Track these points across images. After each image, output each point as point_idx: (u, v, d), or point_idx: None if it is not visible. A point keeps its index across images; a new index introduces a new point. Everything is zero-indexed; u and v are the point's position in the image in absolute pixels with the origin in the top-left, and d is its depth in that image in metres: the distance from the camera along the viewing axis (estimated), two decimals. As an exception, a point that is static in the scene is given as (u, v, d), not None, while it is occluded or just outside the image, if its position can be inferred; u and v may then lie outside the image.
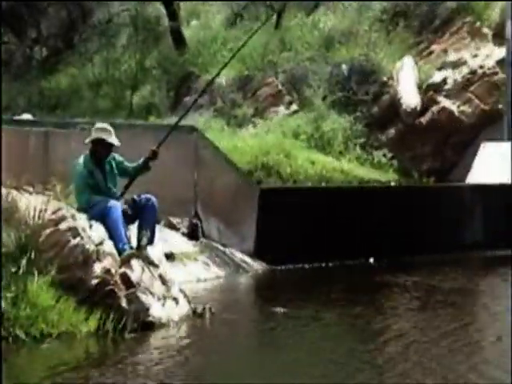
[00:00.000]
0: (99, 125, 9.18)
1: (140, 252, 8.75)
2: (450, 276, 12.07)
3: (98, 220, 8.69)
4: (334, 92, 16.93)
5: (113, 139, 9.01)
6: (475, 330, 8.92)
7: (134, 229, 9.07)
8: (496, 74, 16.75)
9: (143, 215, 8.96)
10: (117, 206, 8.73)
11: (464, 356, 7.53)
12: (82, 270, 8.22)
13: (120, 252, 8.57)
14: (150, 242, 9.02)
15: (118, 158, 9.17)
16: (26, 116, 16.78)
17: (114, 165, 9.10)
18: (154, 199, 9.07)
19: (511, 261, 12.79)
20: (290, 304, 9.77)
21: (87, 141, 9.06)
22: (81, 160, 8.99)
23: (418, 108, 16.52)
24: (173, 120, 16.73)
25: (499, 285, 11.93)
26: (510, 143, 15.79)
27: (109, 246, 8.56)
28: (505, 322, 9.05)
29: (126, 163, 9.21)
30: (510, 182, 14.45)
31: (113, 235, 8.65)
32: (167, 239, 11.51)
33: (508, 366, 6.99)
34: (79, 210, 8.83)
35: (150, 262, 8.79)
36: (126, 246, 8.63)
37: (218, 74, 11.54)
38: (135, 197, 9.11)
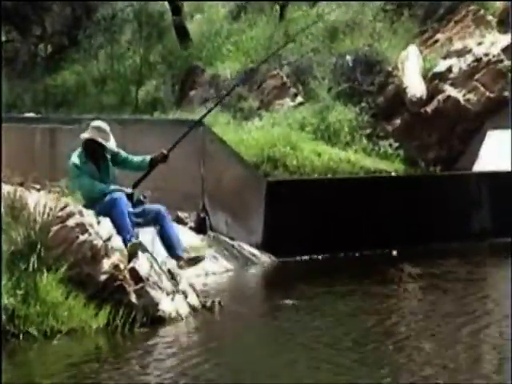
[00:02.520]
0: (95, 123, 9.17)
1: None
2: (456, 264, 12.08)
3: (105, 214, 8.73)
4: (339, 83, 16.90)
5: (108, 143, 9.01)
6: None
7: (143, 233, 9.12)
8: (501, 61, 16.69)
9: (163, 234, 9.00)
10: (122, 198, 8.77)
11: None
12: (90, 266, 8.25)
13: (127, 245, 8.61)
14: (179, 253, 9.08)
15: (114, 148, 9.17)
16: (30, 115, 16.84)
17: (108, 156, 9.13)
18: (162, 210, 9.09)
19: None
20: (299, 296, 9.79)
21: (82, 137, 9.10)
22: (74, 158, 9.05)
23: (424, 97, 16.48)
24: (178, 115, 16.83)
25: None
26: (516, 131, 15.77)
27: (117, 241, 8.59)
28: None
29: (123, 153, 9.22)
30: (517, 169, 14.42)
31: (119, 227, 8.69)
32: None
33: None
34: (86, 206, 8.86)
35: (156, 260, 8.83)
36: (133, 238, 8.66)
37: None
38: (141, 197, 9.14)
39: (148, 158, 9.28)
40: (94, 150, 9.05)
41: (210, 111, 10.98)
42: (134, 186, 9.21)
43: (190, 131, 9.88)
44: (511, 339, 7.67)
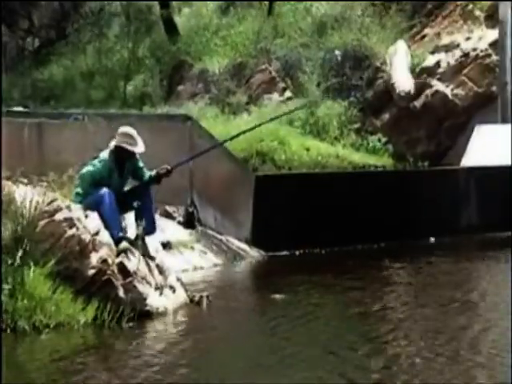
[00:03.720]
0: (123, 129, 9.06)
1: (136, 243, 8.75)
2: (441, 259, 12.13)
3: (93, 209, 8.69)
4: (327, 78, 16.91)
5: (137, 147, 8.94)
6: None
7: (130, 218, 9.09)
8: (489, 56, 16.73)
9: (139, 205, 8.96)
10: (111, 194, 8.72)
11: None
12: (78, 261, 8.23)
13: (116, 240, 8.58)
14: (150, 231, 9.01)
15: (139, 164, 9.13)
16: (18, 109, 16.79)
17: (130, 168, 9.06)
18: (149, 189, 9.07)
19: (511, 242, 12.83)
20: (287, 290, 9.79)
21: (111, 145, 8.98)
22: (104, 156, 8.90)
23: (412, 92, 16.51)
24: (166, 109, 16.82)
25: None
26: (503, 126, 15.80)
27: (105, 236, 8.56)
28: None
29: (144, 170, 9.15)
30: (504, 164, 14.44)
31: (108, 223, 8.65)
32: (163, 228, 11.50)
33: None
34: (74, 201, 8.83)
35: (145, 254, 8.79)
36: (122, 234, 8.63)
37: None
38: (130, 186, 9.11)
39: (154, 173, 9.19)
40: (122, 158, 8.96)
41: (242, 133, 10.73)
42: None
43: (206, 151, 9.80)
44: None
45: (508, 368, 6.47)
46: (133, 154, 8.97)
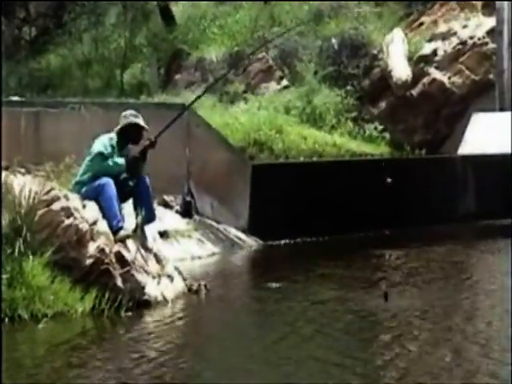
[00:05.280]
0: (127, 112, 9.10)
1: (135, 232, 8.75)
2: (440, 246, 12.18)
3: (92, 198, 8.69)
4: (324, 66, 16.91)
5: (144, 123, 9.02)
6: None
7: (127, 207, 9.08)
8: (486, 44, 16.73)
9: (136, 194, 8.98)
10: (110, 184, 8.72)
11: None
12: (76, 250, 8.24)
13: (114, 230, 8.58)
14: (150, 220, 9.02)
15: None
16: (15, 99, 16.75)
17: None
18: (145, 177, 9.08)
19: (511, 230, 12.86)
20: (284, 279, 9.82)
21: (119, 127, 8.98)
22: (108, 141, 8.87)
23: (409, 80, 16.51)
24: (164, 98, 16.80)
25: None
26: (500, 113, 15.82)
27: (103, 225, 8.57)
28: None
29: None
30: (501, 151, 14.46)
31: (107, 213, 8.65)
32: (161, 217, 11.50)
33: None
34: (72, 190, 8.83)
35: (143, 245, 8.80)
36: (121, 224, 8.63)
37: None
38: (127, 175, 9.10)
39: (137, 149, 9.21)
40: (133, 138, 8.98)
41: (198, 98, 10.93)
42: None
43: (178, 118, 9.84)
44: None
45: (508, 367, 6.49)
46: (142, 129, 8.99)
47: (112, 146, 8.85)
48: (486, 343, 7.06)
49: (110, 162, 8.79)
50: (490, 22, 16.87)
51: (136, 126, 8.99)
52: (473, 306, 8.72)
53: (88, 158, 8.91)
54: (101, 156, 8.78)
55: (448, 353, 6.74)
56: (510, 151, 14.28)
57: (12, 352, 7.02)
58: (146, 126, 9.08)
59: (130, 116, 9.05)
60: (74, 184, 8.92)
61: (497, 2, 16.66)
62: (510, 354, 6.58)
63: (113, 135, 8.96)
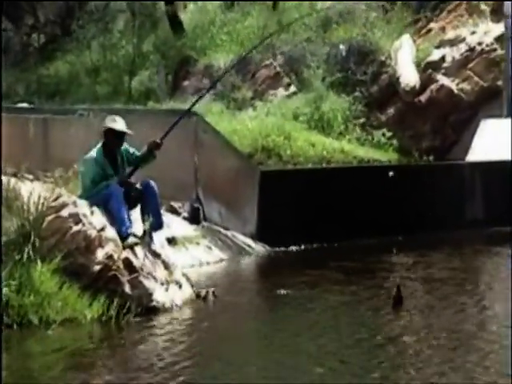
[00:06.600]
0: (110, 117, 9.15)
1: (142, 239, 8.76)
2: (448, 253, 12.16)
3: (101, 205, 8.71)
4: (332, 73, 16.90)
5: (123, 128, 9.00)
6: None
7: (135, 214, 9.10)
8: (494, 50, 16.70)
9: (144, 201, 8.99)
10: (119, 191, 8.74)
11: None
12: (84, 257, 8.26)
13: (123, 237, 8.59)
14: (158, 226, 9.04)
15: (130, 148, 9.17)
16: (23, 105, 16.84)
17: (124, 156, 9.10)
18: (153, 184, 9.09)
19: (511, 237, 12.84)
20: (292, 286, 9.81)
21: (102, 128, 9.03)
22: (93, 153, 8.97)
23: (417, 86, 16.48)
24: (171, 105, 16.82)
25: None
26: (509, 120, 15.77)
27: (111, 231, 8.59)
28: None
29: (136, 153, 9.20)
30: (508, 158, 14.43)
31: (115, 220, 8.67)
32: (169, 224, 11.51)
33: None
34: (81, 197, 8.85)
35: (150, 251, 8.81)
36: (130, 230, 8.64)
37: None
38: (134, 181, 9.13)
39: (144, 149, 9.24)
40: (112, 143, 8.99)
41: (200, 98, 10.92)
42: (128, 177, 9.18)
43: (181, 119, 9.86)
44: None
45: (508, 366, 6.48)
46: (122, 135, 8.98)
47: (96, 160, 8.87)
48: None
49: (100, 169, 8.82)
50: (498, 29, 16.85)
51: (112, 131, 8.98)
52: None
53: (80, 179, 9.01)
54: (90, 166, 8.83)
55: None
56: (518, 158, 14.25)
57: (20, 357, 7.04)
58: (124, 131, 9.03)
59: (107, 121, 9.06)
60: (81, 193, 8.97)
61: (505, 9, 16.64)
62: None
63: (93, 151, 8.97)
